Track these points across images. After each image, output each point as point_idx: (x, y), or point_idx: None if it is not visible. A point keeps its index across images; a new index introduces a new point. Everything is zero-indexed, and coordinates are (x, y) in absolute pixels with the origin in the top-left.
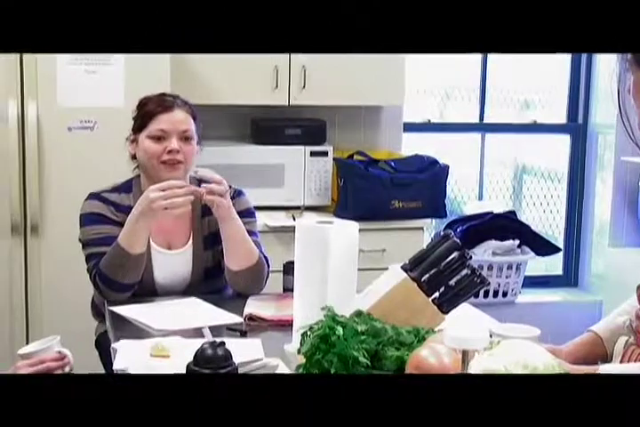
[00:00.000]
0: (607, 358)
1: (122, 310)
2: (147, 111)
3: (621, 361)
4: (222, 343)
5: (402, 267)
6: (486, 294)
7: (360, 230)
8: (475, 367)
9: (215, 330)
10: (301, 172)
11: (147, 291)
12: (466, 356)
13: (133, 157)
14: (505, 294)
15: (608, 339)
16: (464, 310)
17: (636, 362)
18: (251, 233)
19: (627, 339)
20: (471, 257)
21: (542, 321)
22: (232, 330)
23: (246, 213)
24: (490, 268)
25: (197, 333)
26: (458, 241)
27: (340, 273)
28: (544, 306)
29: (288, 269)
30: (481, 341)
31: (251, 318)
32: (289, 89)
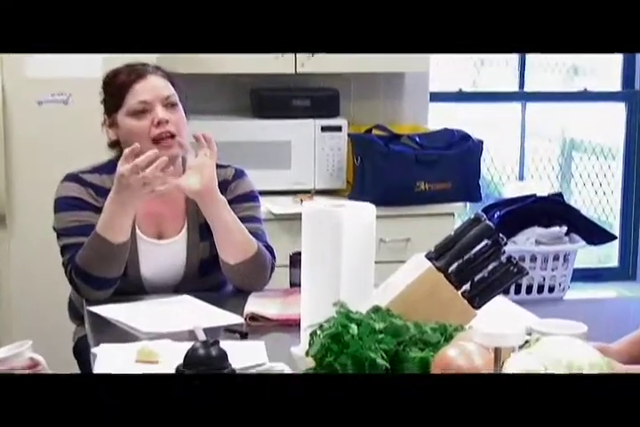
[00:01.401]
0: None
1: (103, 310)
2: (118, 84)
3: None
4: (216, 342)
5: (426, 256)
6: (529, 290)
7: (380, 217)
8: (510, 368)
9: (211, 332)
10: (311, 150)
11: (132, 288)
12: (499, 355)
13: (113, 144)
14: (551, 290)
15: None
16: (499, 305)
17: None
18: (254, 220)
19: None
20: (506, 243)
21: (594, 320)
22: (231, 331)
23: (248, 197)
24: (533, 259)
25: (190, 336)
26: (491, 225)
27: (354, 264)
28: (597, 303)
29: (295, 261)
30: (516, 337)
31: (252, 317)
32: (295, 54)
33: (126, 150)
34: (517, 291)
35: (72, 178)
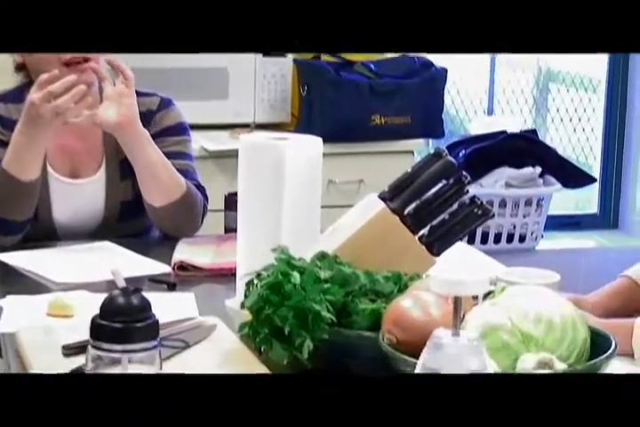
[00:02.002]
0: None
1: (11, 258)
2: None
3: None
4: (138, 290)
5: (379, 196)
6: (497, 239)
7: (329, 155)
8: (472, 320)
9: (134, 282)
10: (251, 78)
11: (44, 233)
12: (459, 305)
13: (19, 67)
14: (522, 239)
15: None
16: (461, 252)
17: None
18: (183, 156)
19: None
20: (470, 182)
21: (569, 272)
22: (157, 282)
23: (177, 130)
24: (502, 204)
25: (109, 286)
26: (453, 161)
27: (298, 205)
28: (573, 254)
29: (230, 202)
30: (479, 285)
31: (181, 266)
32: None
33: (42, 76)
34: (484, 240)
35: None
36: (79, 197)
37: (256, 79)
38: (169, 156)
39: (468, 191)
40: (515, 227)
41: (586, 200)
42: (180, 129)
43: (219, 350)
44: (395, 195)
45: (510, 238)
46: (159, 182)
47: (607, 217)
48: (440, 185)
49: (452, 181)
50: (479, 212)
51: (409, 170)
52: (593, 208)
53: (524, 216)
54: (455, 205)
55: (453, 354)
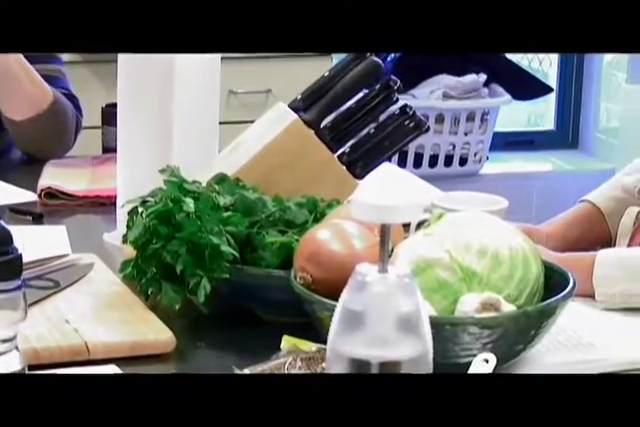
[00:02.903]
0: (610, 240)
1: None
2: None
3: (630, 244)
4: None
5: (290, 106)
6: (433, 162)
7: (229, 59)
8: (402, 254)
9: None
10: None
11: None
12: (387, 235)
13: None
14: (463, 162)
15: (611, 211)
16: (389, 173)
17: None
18: (50, 59)
19: (638, 210)
20: (400, 88)
21: (521, 199)
22: (20, 213)
23: None
24: (439, 119)
25: None
26: (379, 62)
27: (192, 118)
28: (524, 178)
29: (109, 115)
30: (410, 211)
31: (50, 193)
32: None
33: None
34: (417, 162)
35: None
36: None
37: None
38: (33, 59)
39: (397, 100)
40: (454, 147)
41: (540, 115)
42: None
43: (96, 293)
44: (309, 104)
45: (449, 161)
46: (20, 90)
47: (565, 135)
48: (364, 92)
49: (378, 86)
50: (411, 124)
51: (326, 74)
52: (548, 124)
53: (466, 134)
54: (382, 117)
55: (380, 294)
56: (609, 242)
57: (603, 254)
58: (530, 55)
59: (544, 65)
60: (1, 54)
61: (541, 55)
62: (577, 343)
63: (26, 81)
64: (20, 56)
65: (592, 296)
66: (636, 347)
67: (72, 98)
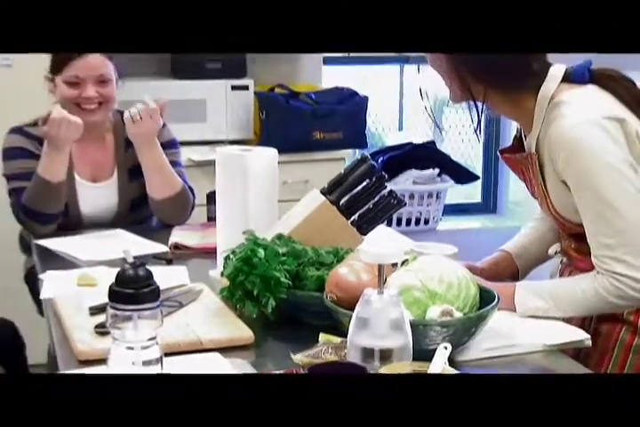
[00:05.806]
0: (518, 274)
1: (48, 243)
2: (61, 58)
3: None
4: (143, 264)
5: (321, 191)
6: (408, 222)
7: (283, 162)
8: (392, 283)
9: (141, 259)
10: (223, 106)
11: (73, 224)
12: (382, 271)
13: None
14: (426, 222)
15: (518, 255)
16: (382, 232)
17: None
18: (175, 164)
19: (560, 259)
20: (387, 179)
21: (463, 247)
22: (158, 258)
23: (171, 144)
24: (411, 196)
25: (123, 263)
26: (374, 163)
27: (260, 197)
28: (464, 232)
29: (211, 199)
30: (396, 255)
31: (176, 246)
32: None
33: (52, 115)
34: (398, 223)
35: (16, 131)
36: (99, 196)
37: (227, 107)
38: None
39: (386, 187)
40: (421, 213)
41: (472, 193)
42: (173, 143)
43: (205, 309)
44: (332, 190)
45: (417, 222)
46: (162, 179)
47: (488, 205)
48: (365, 182)
49: (374, 179)
50: (395, 202)
51: (342, 172)
52: (477, 198)
53: (427, 205)
54: (377, 197)
55: (379, 307)
56: (517, 275)
57: (522, 284)
58: (465, 156)
59: (474, 162)
60: (153, 151)
61: (472, 155)
62: (500, 334)
63: (166, 172)
64: (165, 158)
65: (511, 310)
66: (537, 337)
67: (190, 188)
